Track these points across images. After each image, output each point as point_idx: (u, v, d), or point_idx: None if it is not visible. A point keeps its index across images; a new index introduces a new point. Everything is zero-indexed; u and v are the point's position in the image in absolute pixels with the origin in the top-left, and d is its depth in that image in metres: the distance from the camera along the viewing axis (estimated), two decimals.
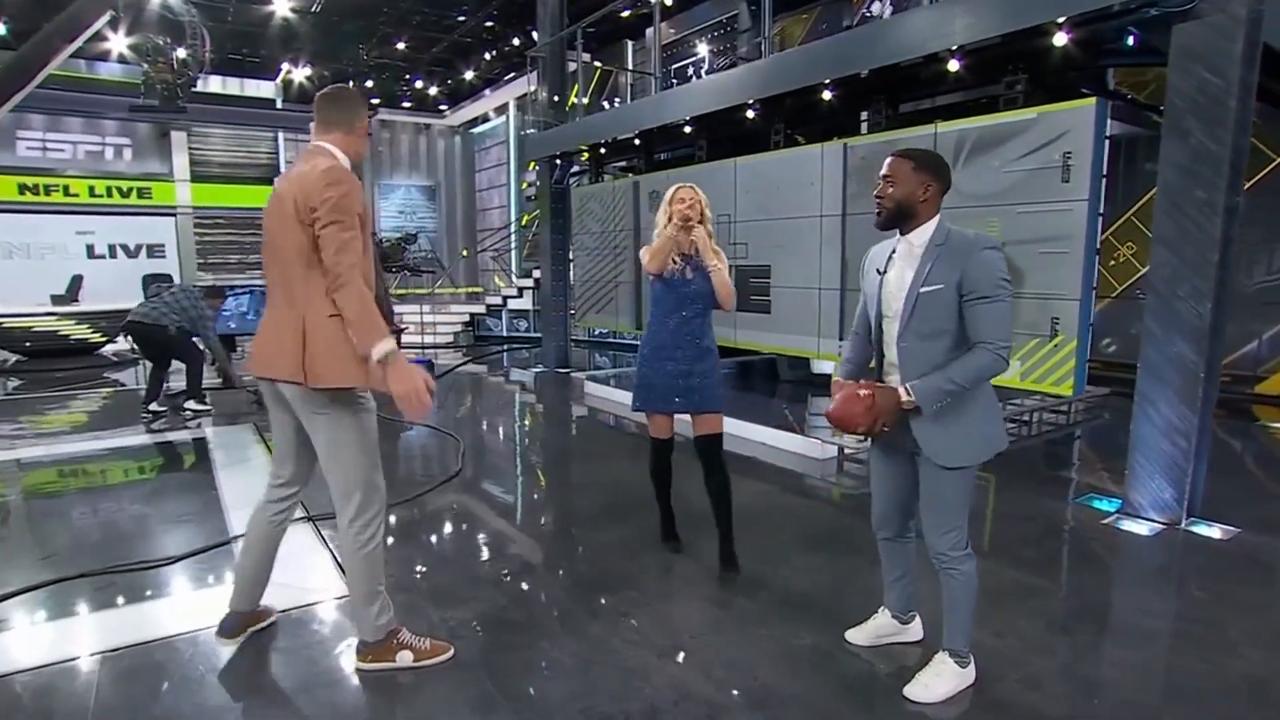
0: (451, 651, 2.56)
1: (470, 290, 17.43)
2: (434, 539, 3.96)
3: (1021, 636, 2.72)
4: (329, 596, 3.05)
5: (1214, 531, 3.70)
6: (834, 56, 5.20)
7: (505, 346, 12.40)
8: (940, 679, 2.31)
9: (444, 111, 18.30)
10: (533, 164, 17.38)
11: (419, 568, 3.46)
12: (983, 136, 4.58)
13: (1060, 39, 3.93)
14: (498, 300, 13.34)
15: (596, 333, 12.36)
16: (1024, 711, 2.26)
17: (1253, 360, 7.04)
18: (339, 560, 3.17)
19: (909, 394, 2.13)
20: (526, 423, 7.48)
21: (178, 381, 6.98)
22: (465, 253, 17.15)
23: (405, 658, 2.48)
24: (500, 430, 7.19)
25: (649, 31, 12.81)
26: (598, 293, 8.78)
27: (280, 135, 14.84)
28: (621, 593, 3.08)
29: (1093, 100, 4.06)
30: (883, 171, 2.24)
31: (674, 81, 11.83)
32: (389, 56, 15.85)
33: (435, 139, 18.79)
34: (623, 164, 9.26)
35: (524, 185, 17.24)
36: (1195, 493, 3.78)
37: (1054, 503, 4.26)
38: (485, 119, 18.28)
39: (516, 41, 14.94)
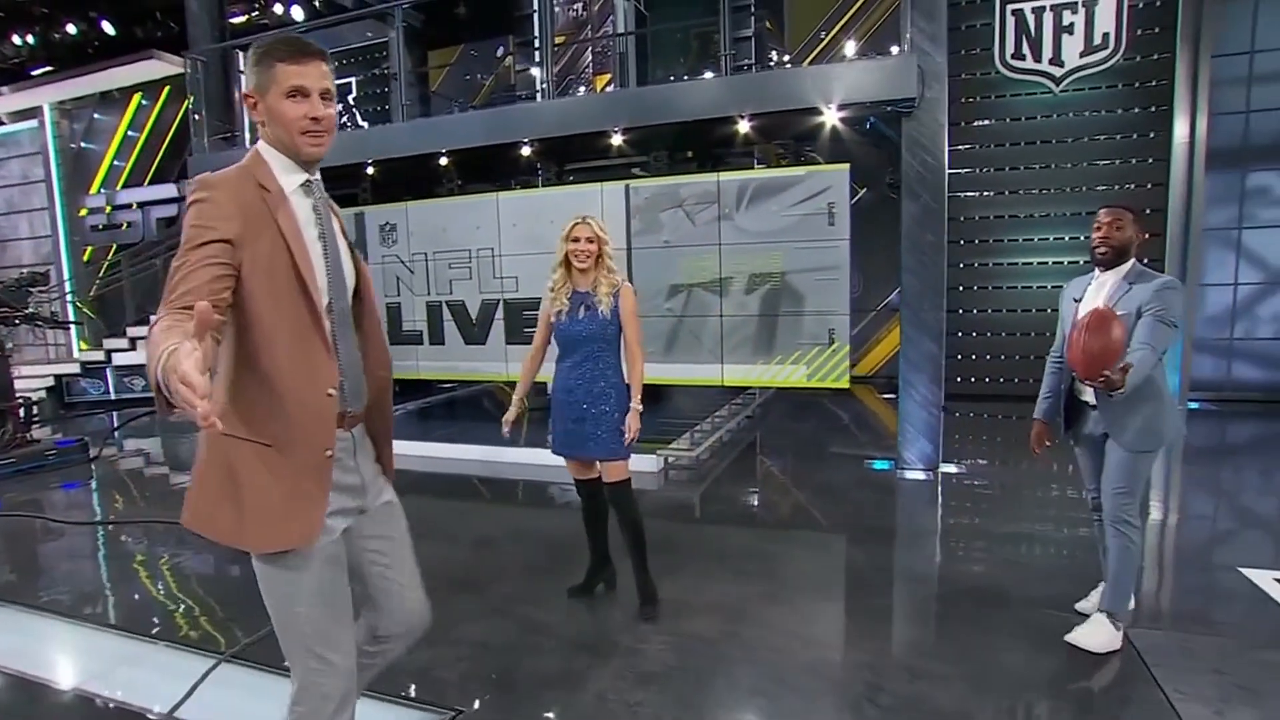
0: None
1: None
2: None
3: None
4: None
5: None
6: (622, 107, 5.71)
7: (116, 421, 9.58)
8: (1094, 635, 2.75)
9: None
10: (97, 186, 13.80)
11: None
12: (762, 186, 5.58)
13: (831, 117, 5.11)
14: (97, 356, 10.21)
15: None
16: None
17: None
18: None
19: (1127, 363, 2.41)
20: None
21: None
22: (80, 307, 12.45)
23: None
24: None
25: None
26: None
27: None
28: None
29: (846, 165, 5.36)
30: (1107, 219, 2.69)
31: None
32: None
33: None
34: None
35: (83, 211, 13.57)
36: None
37: (844, 468, 5.43)
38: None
39: (72, 29, 11.65)
